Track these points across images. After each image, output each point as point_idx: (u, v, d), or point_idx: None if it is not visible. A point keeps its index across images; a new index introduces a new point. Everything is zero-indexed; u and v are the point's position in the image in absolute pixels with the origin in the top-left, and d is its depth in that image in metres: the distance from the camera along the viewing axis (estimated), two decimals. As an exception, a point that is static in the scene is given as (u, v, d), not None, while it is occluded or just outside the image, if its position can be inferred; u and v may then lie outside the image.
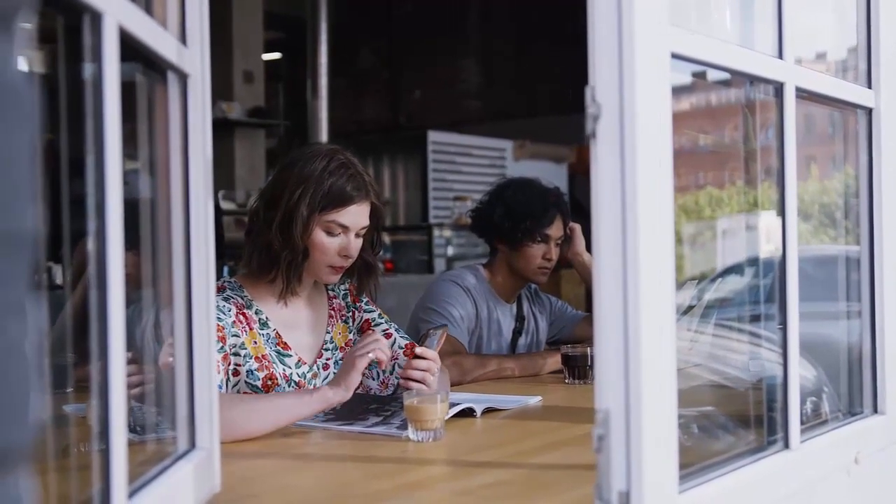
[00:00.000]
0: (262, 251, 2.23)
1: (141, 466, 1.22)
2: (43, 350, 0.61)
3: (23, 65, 0.61)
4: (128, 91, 1.06)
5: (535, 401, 2.38)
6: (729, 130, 2.09)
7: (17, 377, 0.57)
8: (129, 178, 1.07)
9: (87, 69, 1.00)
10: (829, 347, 1.99)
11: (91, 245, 0.99)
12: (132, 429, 1.21)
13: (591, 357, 2.69)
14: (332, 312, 2.41)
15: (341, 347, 2.39)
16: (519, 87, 9.40)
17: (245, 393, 2.17)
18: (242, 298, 2.25)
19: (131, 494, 1.07)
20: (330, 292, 2.43)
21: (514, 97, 9.41)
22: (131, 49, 1.10)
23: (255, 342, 2.21)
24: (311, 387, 2.26)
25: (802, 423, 1.57)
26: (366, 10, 10.07)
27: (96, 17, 0.98)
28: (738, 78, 1.64)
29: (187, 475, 1.29)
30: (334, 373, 2.31)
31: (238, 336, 2.17)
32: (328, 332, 2.38)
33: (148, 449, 1.41)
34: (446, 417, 1.95)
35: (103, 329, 1.00)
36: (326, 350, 2.36)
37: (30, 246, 0.58)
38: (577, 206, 4.37)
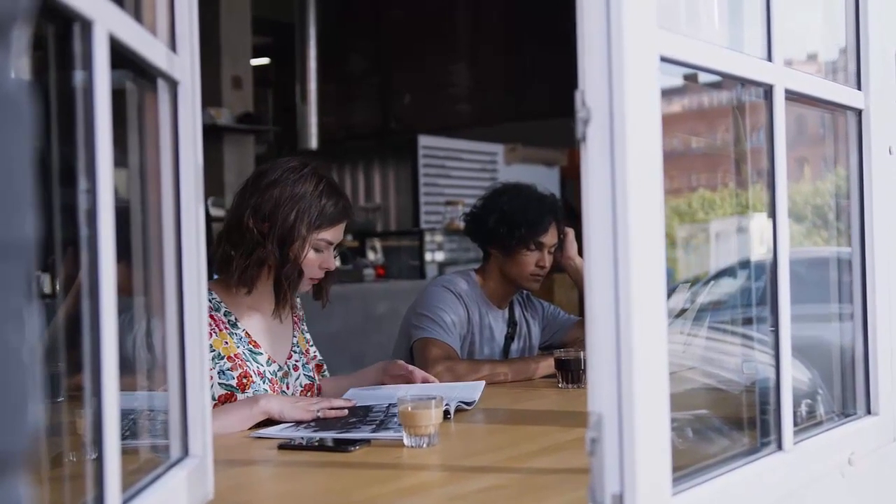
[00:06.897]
0: (254, 266, 2.29)
1: (133, 475, 1.22)
2: (39, 357, 0.61)
3: (19, 73, 0.61)
4: (117, 98, 1.06)
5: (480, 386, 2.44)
6: (721, 132, 2.09)
7: (16, 384, 0.57)
8: (118, 186, 1.07)
9: (77, 77, 1.00)
10: (822, 349, 1.99)
11: (83, 253, 0.99)
12: (123, 436, 1.21)
13: (585, 361, 2.69)
14: (296, 319, 2.52)
15: (304, 352, 2.50)
16: (509, 90, 9.40)
17: (220, 395, 2.22)
18: (210, 301, 2.27)
19: (125, 502, 1.07)
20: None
21: (504, 101, 9.41)
22: (121, 56, 1.10)
23: (227, 342, 2.28)
24: (284, 385, 2.38)
25: (797, 425, 1.58)
26: (355, 15, 10.06)
27: (86, 25, 0.98)
28: (729, 80, 1.64)
29: (180, 483, 1.29)
30: (304, 374, 2.45)
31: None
32: (294, 337, 2.48)
33: (140, 457, 1.41)
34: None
35: (96, 338, 0.99)
36: (295, 352, 2.46)
37: (28, 254, 0.59)
38: (569, 210, 4.37)
